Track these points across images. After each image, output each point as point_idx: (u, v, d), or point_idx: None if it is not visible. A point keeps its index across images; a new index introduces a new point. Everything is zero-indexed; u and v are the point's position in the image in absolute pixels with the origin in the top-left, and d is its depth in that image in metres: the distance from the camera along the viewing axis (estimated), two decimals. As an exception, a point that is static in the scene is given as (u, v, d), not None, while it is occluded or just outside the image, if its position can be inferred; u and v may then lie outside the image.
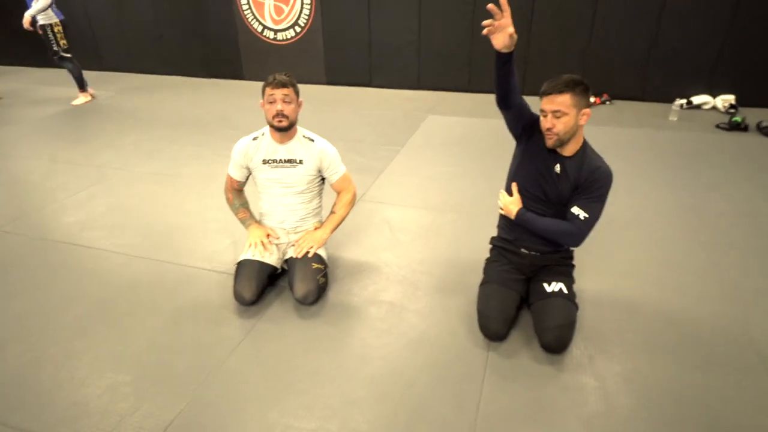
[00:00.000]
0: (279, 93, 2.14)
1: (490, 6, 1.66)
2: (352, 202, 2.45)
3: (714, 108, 5.20)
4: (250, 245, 2.36)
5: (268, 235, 2.40)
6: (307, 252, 2.32)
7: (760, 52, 4.99)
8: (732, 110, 4.98)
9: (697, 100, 5.23)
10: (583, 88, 1.81)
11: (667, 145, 4.25)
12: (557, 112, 1.80)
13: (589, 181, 1.90)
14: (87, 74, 7.03)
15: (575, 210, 1.92)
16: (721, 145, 4.23)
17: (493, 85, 1.86)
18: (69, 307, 2.28)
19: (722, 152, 4.08)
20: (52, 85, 6.18)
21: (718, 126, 4.67)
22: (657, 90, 5.45)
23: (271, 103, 2.16)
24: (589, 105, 1.87)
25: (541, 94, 1.85)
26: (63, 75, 6.08)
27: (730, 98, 5.12)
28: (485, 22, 1.67)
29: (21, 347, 2.04)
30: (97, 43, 7.42)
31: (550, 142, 1.88)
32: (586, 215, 1.90)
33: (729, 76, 5.18)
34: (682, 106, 5.09)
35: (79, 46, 7.42)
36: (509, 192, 2.10)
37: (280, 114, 2.16)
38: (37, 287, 2.44)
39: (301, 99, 2.25)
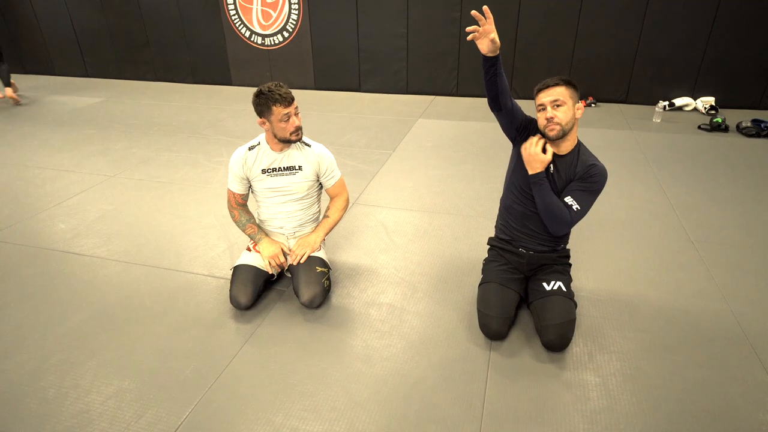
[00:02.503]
0: (292, 109, 2.15)
1: (474, 12, 1.73)
2: (345, 207, 2.46)
3: (695, 109, 5.34)
4: (268, 263, 2.31)
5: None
6: (305, 257, 2.31)
7: (738, 56, 5.15)
8: (712, 111, 5.12)
9: (678, 102, 5.36)
10: (574, 85, 1.91)
11: (653, 145, 4.35)
12: (556, 101, 1.87)
13: (585, 176, 1.94)
14: (72, 81, 6.92)
15: (569, 200, 1.95)
16: (705, 146, 4.34)
17: (482, 90, 1.91)
18: (69, 316, 2.26)
19: (706, 152, 4.19)
20: (31, 90, 6.07)
21: (699, 127, 4.80)
22: (640, 93, 5.57)
23: (286, 121, 2.14)
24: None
25: (537, 91, 1.92)
26: (41, 79, 5.97)
27: (710, 100, 5.27)
28: (469, 29, 1.76)
29: (22, 357, 2.01)
30: (81, 50, 7.34)
31: (552, 134, 1.90)
32: (578, 207, 1.94)
33: (710, 79, 5.33)
34: (664, 108, 5.22)
35: (63, 53, 7.35)
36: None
37: (299, 129, 2.19)
38: (34, 296, 2.41)
39: None
